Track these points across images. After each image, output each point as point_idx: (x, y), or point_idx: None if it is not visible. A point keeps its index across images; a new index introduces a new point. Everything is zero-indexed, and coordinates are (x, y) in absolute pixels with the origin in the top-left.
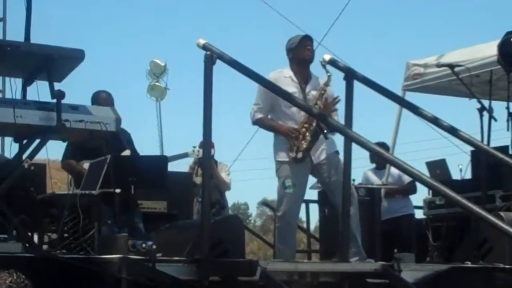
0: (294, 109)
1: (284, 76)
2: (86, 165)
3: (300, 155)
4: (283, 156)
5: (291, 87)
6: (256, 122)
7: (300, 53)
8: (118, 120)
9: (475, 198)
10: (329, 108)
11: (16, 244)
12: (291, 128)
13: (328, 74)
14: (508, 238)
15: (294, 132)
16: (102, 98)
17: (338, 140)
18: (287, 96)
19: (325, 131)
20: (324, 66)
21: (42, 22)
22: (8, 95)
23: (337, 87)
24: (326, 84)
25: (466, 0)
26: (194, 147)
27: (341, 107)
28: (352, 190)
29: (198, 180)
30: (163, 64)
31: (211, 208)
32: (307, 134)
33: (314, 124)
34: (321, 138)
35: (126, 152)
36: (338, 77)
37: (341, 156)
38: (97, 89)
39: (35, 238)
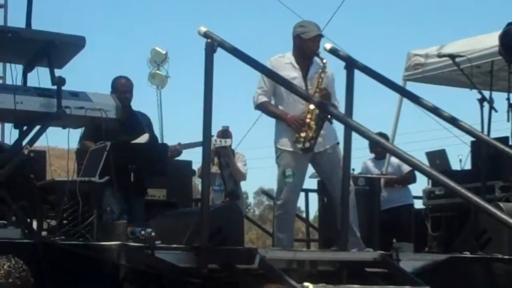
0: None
1: (285, 62)
2: None
3: (307, 144)
4: (284, 144)
5: (293, 72)
6: (259, 106)
7: (309, 47)
8: (118, 108)
9: (475, 189)
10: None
11: (15, 230)
12: (296, 117)
13: (324, 61)
14: (507, 229)
15: (299, 122)
16: (121, 84)
17: (338, 129)
18: (287, 84)
19: (329, 116)
20: (317, 55)
21: (43, 8)
22: (8, 81)
23: (338, 76)
24: (323, 71)
25: None
26: (212, 136)
27: (341, 96)
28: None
29: (214, 169)
30: (164, 52)
31: (226, 197)
32: (312, 123)
33: (317, 111)
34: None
35: (145, 136)
36: (339, 66)
37: (341, 146)
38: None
39: (34, 224)
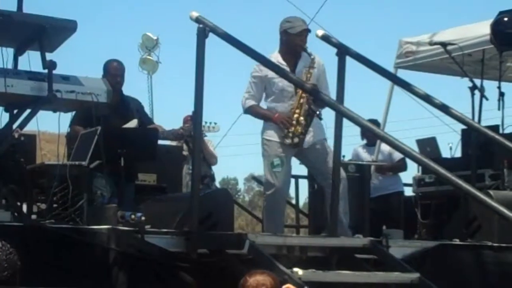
0: (285, 92)
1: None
2: None
3: (296, 140)
4: (271, 135)
5: None
6: (247, 110)
7: (295, 42)
8: (109, 92)
9: (465, 177)
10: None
11: (5, 213)
12: (283, 115)
13: (312, 56)
14: (497, 216)
15: (286, 119)
16: (113, 67)
17: (330, 116)
18: (278, 71)
19: (318, 112)
20: (305, 50)
21: None
22: None
23: (330, 63)
24: (311, 66)
25: None
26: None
27: (332, 82)
28: (341, 172)
29: (185, 152)
30: (155, 37)
31: (202, 179)
32: (301, 118)
33: (306, 107)
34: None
35: (134, 121)
36: (330, 53)
37: (332, 133)
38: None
39: (24, 208)
